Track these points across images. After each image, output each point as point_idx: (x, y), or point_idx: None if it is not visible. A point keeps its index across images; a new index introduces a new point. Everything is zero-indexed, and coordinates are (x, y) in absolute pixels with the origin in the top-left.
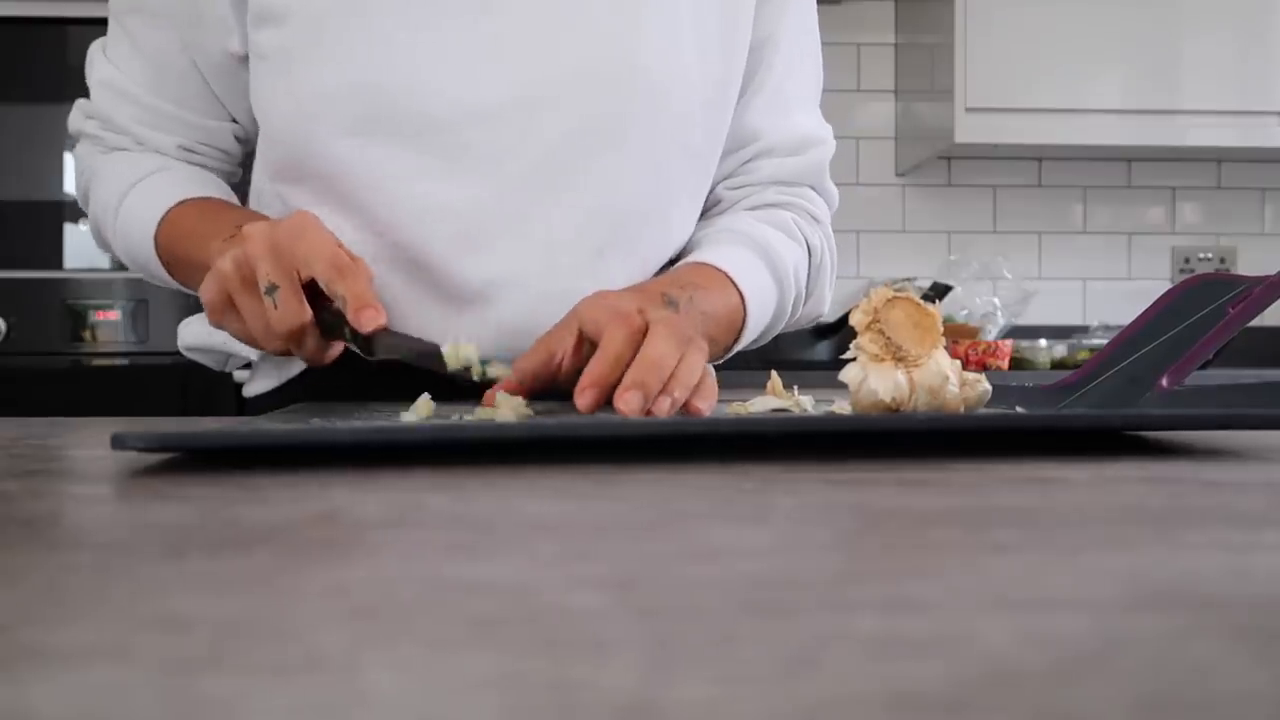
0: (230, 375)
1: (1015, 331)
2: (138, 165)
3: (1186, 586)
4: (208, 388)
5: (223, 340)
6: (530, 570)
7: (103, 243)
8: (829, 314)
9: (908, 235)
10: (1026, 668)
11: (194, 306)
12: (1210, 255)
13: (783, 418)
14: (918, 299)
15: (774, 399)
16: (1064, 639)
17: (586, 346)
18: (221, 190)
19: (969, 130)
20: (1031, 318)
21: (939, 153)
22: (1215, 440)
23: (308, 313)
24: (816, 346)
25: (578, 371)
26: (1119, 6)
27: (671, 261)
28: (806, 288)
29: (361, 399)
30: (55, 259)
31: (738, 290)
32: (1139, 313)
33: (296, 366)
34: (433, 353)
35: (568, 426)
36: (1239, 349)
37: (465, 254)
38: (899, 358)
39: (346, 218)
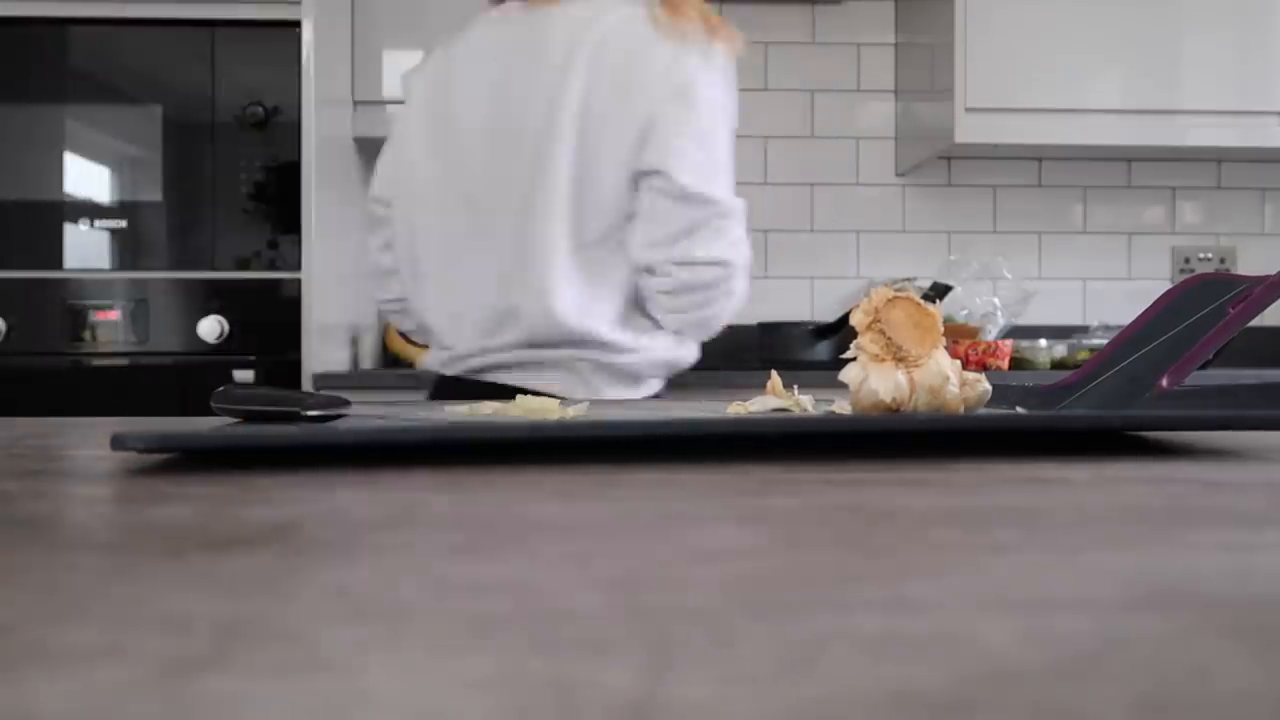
0: (230, 375)
1: (1015, 331)
2: None
3: (1186, 586)
4: (208, 388)
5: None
6: (530, 570)
7: None
8: (828, 314)
9: (908, 235)
10: (1026, 667)
11: (194, 306)
12: (1210, 255)
13: (783, 418)
14: (918, 299)
15: (774, 399)
16: (1064, 639)
17: None
18: None
19: (969, 130)
20: (1031, 318)
21: (939, 153)
22: (1215, 440)
23: None
24: (816, 346)
25: None
26: (1119, 6)
27: None
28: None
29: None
30: (55, 259)
31: None
32: (1139, 313)
33: None
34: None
35: (568, 426)
36: (1239, 349)
37: None
38: (899, 358)
39: None
